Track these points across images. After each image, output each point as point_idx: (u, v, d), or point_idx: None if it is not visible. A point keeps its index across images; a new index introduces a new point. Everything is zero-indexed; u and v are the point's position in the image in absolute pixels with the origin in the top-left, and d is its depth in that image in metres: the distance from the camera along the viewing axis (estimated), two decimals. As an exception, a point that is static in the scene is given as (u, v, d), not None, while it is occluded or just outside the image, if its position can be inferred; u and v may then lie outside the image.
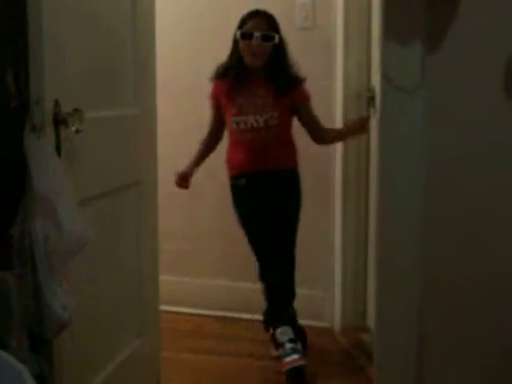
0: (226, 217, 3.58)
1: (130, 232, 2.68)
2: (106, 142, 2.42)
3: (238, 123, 3.31)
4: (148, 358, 2.88)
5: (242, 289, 3.74)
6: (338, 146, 3.63)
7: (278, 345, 3.32)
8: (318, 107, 3.58)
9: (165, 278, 3.24)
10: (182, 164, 3.51)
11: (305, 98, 3.38)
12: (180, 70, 3.85)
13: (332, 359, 3.43)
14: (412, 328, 2.45)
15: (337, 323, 3.76)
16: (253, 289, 3.59)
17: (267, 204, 3.36)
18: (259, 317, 3.60)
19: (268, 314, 3.46)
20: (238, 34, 3.26)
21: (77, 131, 2.06)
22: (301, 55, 3.48)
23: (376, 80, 3.06)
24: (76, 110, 2.05)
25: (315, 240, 3.83)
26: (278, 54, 3.30)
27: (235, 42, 3.30)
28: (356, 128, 3.40)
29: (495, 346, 2.41)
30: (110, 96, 2.48)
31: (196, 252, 4.01)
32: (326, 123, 3.58)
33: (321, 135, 3.43)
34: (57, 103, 2.02)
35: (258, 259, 3.37)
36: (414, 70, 2.35)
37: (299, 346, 3.31)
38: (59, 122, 2.02)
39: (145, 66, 2.74)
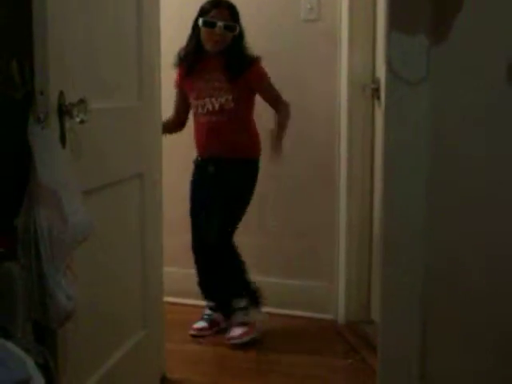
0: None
1: (134, 223, 2.68)
2: (111, 133, 2.41)
3: (196, 107, 3.43)
4: (152, 349, 2.89)
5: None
6: (343, 135, 3.62)
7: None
8: (322, 99, 3.59)
9: (169, 270, 3.25)
10: (185, 155, 3.52)
11: (260, 77, 3.43)
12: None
13: (336, 351, 3.43)
14: (416, 320, 2.45)
15: (341, 315, 3.75)
16: (259, 280, 3.60)
17: (212, 187, 3.47)
18: (265, 310, 3.61)
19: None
20: (201, 21, 3.34)
21: (81, 122, 2.05)
22: (305, 47, 3.48)
23: (381, 72, 3.06)
24: (81, 101, 2.05)
25: (319, 231, 3.84)
26: (236, 42, 3.38)
27: (195, 28, 3.39)
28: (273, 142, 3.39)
29: (499, 337, 2.41)
30: (114, 87, 2.47)
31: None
32: (330, 116, 3.58)
33: (275, 109, 3.47)
34: (61, 94, 2.02)
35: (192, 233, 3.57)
36: (419, 61, 2.34)
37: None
38: (64, 112, 2.02)
39: (149, 58, 2.74)
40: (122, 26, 2.53)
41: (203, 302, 3.75)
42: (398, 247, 2.44)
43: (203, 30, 3.34)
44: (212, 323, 3.59)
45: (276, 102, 3.44)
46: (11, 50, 2.00)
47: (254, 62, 3.40)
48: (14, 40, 2.02)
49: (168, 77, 3.23)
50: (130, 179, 2.62)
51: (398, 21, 2.35)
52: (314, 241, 3.86)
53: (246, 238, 3.54)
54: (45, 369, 1.87)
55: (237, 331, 3.47)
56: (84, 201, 2.05)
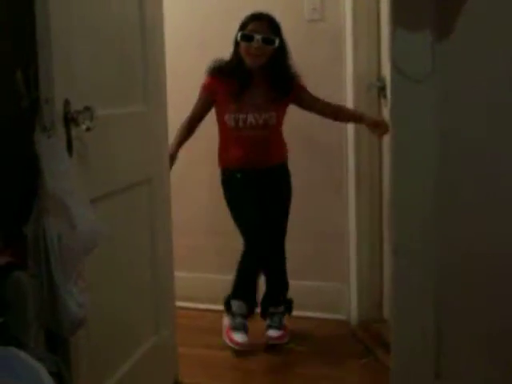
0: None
1: (143, 229, 2.68)
2: (118, 139, 2.41)
3: (237, 120, 3.36)
4: (165, 354, 2.88)
5: (260, 285, 3.72)
6: (350, 136, 3.61)
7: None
8: (328, 99, 3.58)
9: (180, 275, 3.25)
10: (192, 159, 3.52)
11: (303, 90, 3.44)
12: (189, 67, 3.84)
13: (349, 352, 3.42)
14: (429, 319, 2.45)
15: (353, 316, 3.74)
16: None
17: (259, 196, 3.46)
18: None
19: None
20: (239, 35, 3.30)
21: (87, 129, 2.06)
22: (310, 47, 3.48)
23: (386, 70, 3.05)
24: (86, 108, 2.05)
25: (329, 232, 3.83)
26: (279, 57, 3.34)
27: (236, 43, 3.34)
28: (371, 124, 3.40)
29: (513, 334, 2.40)
30: (119, 93, 2.47)
31: (211, 247, 4.00)
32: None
33: (334, 111, 3.47)
34: (67, 102, 2.02)
35: (247, 247, 3.47)
36: (424, 58, 2.34)
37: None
38: (69, 120, 2.02)
39: (154, 63, 2.74)
40: (126, 32, 2.53)
41: (212, 306, 3.77)
42: (409, 246, 2.43)
43: (242, 45, 3.29)
44: (247, 330, 3.54)
45: (324, 104, 3.46)
46: (16, 59, 2.00)
47: (295, 81, 3.40)
48: (19, 49, 2.02)
49: (174, 81, 3.22)
50: (138, 184, 2.61)
51: (402, 18, 2.35)
52: (325, 242, 3.85)
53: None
54: (58, 377, 1.87)
55: (277, 332, 3.51)
56: (92, 208, 2.05)
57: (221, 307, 3.68)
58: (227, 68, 3.38)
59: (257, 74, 3.36)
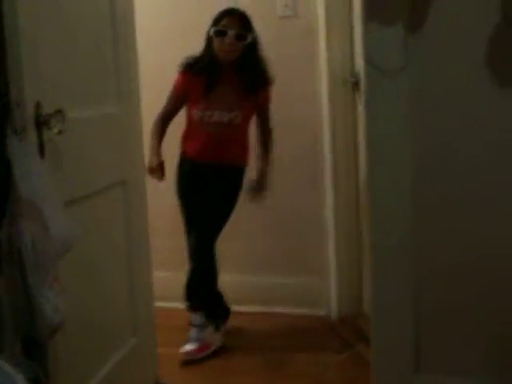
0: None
1: (119, 231, 2.66)
2: (90, 141, 2.39)
3: (202, 116, 3.36)
4: (145, 355, 2.87)
5: (238, 282, 3.72)
6: (326, 133, 3.61)
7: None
8: (303, 95, 3.58)
9: (159, 274, 3.23)
10: (170, 159, 3.51)
11: (267, 100, 3.45)
12: (163, 63, 3.83)
13: (329, 347, 3.43)
14: (408, 313, 2.46)
15: (333, 310, 3.75)
16: (249, 281, 3.59)
17: (201, 191, 3.43)
18: (257, 308, 3.61)
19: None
20: (212, 31, 3.30)
21: (59, 132, 2.04)
22: (283, 44, 3.48)
23: (360, 65, 3.05)
24: (58, 111, 2.03)
25: (307, 228, 3.83)
26: (250, 53, 3.34)
27: (209, 39, 3.34)
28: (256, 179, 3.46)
29: (491, 326, 2.41)
30: (92, 95, 2.45)
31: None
32: (312, 113, 3.58)
33: (264, 132, 3.50)
34: (38, 105, 2.00)
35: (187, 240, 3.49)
36: (396, 52, 2.34)
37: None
38: (41, 123, 2.00)
39: (126, 64, 2.72)
40: (96, 32, 2.51)
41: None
42: (387, 240, 2.44)
43: (215, 40, 3.29)
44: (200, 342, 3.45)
45: (268, 130, 3.48)
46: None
47: (267, 83, 3.40)
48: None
49: (147, 81, 3.20)
50: (113, 186, 2.59)
51: (374, 12, 2.35)
52: (302, 238, 3.85)
53: (235, 237, 3.53)
54: (35, 383, 1.86)
55: (190, 346, 3.38)
56: (67, 211, 2.04)
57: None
58: (198, 64, 3.37)
59: (227, 71, 3.36)
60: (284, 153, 3.74)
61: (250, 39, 3.30)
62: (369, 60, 2.38)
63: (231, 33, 3.25)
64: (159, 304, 3.29)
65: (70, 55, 2.27)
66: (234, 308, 3.69)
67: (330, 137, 3.61)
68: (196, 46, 3.38)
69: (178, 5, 3.86)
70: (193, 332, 3.42)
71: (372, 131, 2.44)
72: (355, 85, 3.43)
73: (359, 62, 3.27)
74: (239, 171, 3.47)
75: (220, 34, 3.28)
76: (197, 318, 3.45)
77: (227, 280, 3.64)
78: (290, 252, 3.85)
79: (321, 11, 3.55)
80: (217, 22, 3.30)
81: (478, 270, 2.39)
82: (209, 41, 3.34)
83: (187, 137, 3.47)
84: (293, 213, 3.85)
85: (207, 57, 3.35)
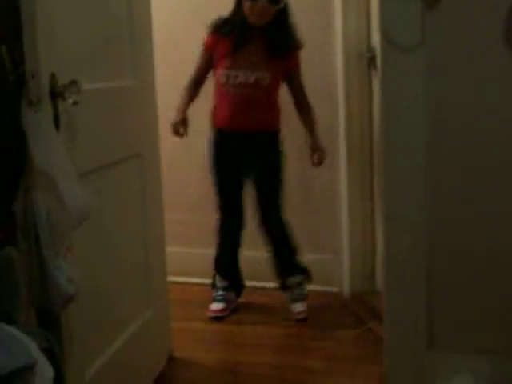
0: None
1: (133, 204, 2.67)
2: (105, 114, 2.39)
3: (228, 76, 3.34)
4: (159, 328, 2.89)
5: (251, 257, 3.72)
6: (341, 105, 3.59)
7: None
8: (318, 70, 3.56)
9: (172, 249, 3.24)
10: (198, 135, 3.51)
11: (297, 65, 3.43)
12: (177, 39, 3.82)
13: (342, 323, 3.43)
14: (421, 289, 2.45)
15: (346, 288, 3.75)
16: (262, 257, 3.59)
17: (242, 161, 3.47)
18: (271, 284, 3.62)
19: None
20: None
21: (74, 103, 2.03)
22: (298, 17, 3.44)
23: (376, 40, 3.03)
24: (73, 82, 2.03)
25: (321, 205, 3.83)
26: (281, 17, 3.32)
27: (239, 1, 3.31)
28: (311, 147, 3.48)
29: (506, 304, 2.40)
30: (107, 67, 2.45)
31: (204, 222, 3.99)
32: (327, 86, 3.55)
33: (302, 109, 3.49)
34: (53, 76, 1.99)
35: (221, 212, 3.55)
36: (413, 27, 2.32)
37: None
38: (56, 94, 2.00)
39: (141, 37, 2.71)
40: (112, 4, 2.50)
41: (204, 280, 3.76)
42: (401, 217, 2.43)
43: (246, 4, 3.27)
44: (228, 303, 3.59)
45: (303, 94, 3.46)
46: (0, 34, 1.97)
47: (297, 47, 3.39)
48: (3, 24, 1.99)
49: (162, 54, 3.19)
50: (127, 159, 2.59)
51: (391, -13, 2.32)
52: (316, 214, 3.85)
53: (249, 214, 3.53)
54: (50, 353, 1.86)
55: (302, 306, 3.53)
56: (82, 183, 2.04)
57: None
58: (227, 25, 3.36)
59: (256, 32, 3.34)
60: (297, 128, 3.72)
61: (282, 4, 3.28)
62: (385, 35, 2.36)
63: None
64: (173, 279, 3.30)
65: (85, 27, 2.27)
66: (249, 283, 3.70)
67: (345, 112, 3.59)
68: (212, 17, 3.35)
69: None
70: (219, 292, 3.58)
71: (388, 107, 2.42)
72: (371, 60, 3.41)
73: (375, 37, 3.24)
74: (273, 135, 3.47)
75: None
76: (223, 280, 3.59)
77: (242, 256, 3.65)
78: (304, 229, 3.84)
79: (337, -17, 3.52)
80: None
81: (493, 244, 2.37)
82: (239, 3, 3.31)
83: (215, 105, 3.45)
84: (306, 189, 3.85)
85: (237, 19, 3.32)
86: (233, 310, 3.59)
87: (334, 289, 3.80)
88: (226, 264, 3.64)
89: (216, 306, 3.55)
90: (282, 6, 3.28)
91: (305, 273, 3.61)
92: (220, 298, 3.58)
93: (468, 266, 2.40)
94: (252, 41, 3.34)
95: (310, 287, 3.72)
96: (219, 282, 3.62)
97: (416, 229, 2.40)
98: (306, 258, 3.72)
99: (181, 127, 3.36)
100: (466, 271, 2.41)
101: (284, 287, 3.60)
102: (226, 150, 3.46)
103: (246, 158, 3.46)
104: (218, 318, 3.50)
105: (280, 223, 3.53)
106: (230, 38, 3.34)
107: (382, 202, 2.63)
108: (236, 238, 3.60)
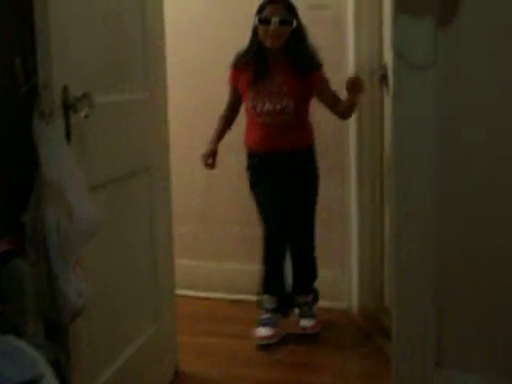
0: (242, 200, 3.58)
1: (142, 217, 2.67)
2: (117, 126, 2.40)
3: (255, 106, 3.38)
4: (165, 342, 2.88)
5: (260, 271, 3.71)
6: (352, 124, 3.59)
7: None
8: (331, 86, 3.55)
9: (181, 262, 3.24)
10: (196, 146, 3.51)
11: (323, 82, 3.43)
12: (188, 52, 3.83)
13: (350, 340, 3.42)
14: (430, 307, 2.44)
15: (354, 304, 3.74)
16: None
17: (281, 182, 3.44)
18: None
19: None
20: (257, 19, 3.32)
21: (86, 116, 2.04)
22: (311, 33, 3.45)
23: (388, 57, 3.03)
24: (85, 95, 2.03)
25: (331, 220, 3.81)
26: (296, 39, 3.35)
27: (254, 29, 3.36)
28: (351, 91, 3.38)
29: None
30: (119, 80, 2.45)
31: (211, 235, 3.99)
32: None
33: (339, 109, 3.46)
34: (65, 88, 2.00)
35: (265, 235, 3.47)
36: (426, 45, 2.32)
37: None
38: (68, 107, 2.00)
39: (154, 50, 2.72)
40: (126, 18, 2.50)
41: (212, 294, 3.75)
42: (411, 234, 2.42)
43: (260, 28, 3.31)
44: (278, 327, 3.48)
45: (337, 103, 3.44)
46: (14, 46, 1.99)
47: (316, 66, 3.40)
48: (17, 36, 2.00)
49: (175, 69, 3.20)
50: (137, 172, 2.60)
51: (404, 4, 2.33)
52: (326, 230, 3.83)
53: (258, 231, 3.52)
54: (57, 365, 1.87)
55: (313, 321, 3.51)
56: (92, 196, 2.04)
57: (221, 295, 3.67)
58: (246, 56, 3.40)
59: (276, 59, 3.37)
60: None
61: (294, 24, 3.31)
62: (398, 53, 2.36)
63: (275, 20, 3.27)
64: (180, 292, 3.30)
65: (98, 40, 2.28)
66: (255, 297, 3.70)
67: (356, 128, 3.59)
68: (224, 33, 3.37)
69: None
70: (267, 315, 3.49)
71: (399, 125, 2.42)
72: (383, 77, 3.41)
73: (387, 54, 3.24)
74: (306, 151, 3.48)
75: (264, 21, 3.29)
76: (272, 301, 3.52)
77: (250, 270, 3.64)
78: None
79: (350, 2, 3.52)
80: (261, 10, 3.33)
81: (502, 263, 2.36)
82: (254, 31, 3.36)
83: (248, 130, 3.49)
84: (317, 206, 3.85)
85: (254, 46, 3.37)
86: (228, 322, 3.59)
87: (343, 305, 3.79)
88: (275, 280, 3.55)
89: (265, 332, 3.41)
90: (294, 26, 3.31)
91: (315, 294, 3.61)
92: (268, 321, 3.46)
93: (478, 284, 2.39)
94: (273, 68, 3.37)
95: (318, 304, 3.72)
96: (268, 304, 3.52)
97: (426, 246, 2.39)
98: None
99: (210, 159, 3.45)
100: (477, 289, 2.40)
101: (291, 304, 3.59)
102: (261, 171, 3.47)
103: (282, 176, 3.45)
104: (267, 346, 3.36)
105: (310, 242, 3.55)
106: (250, 69, 3.38)
107: (392, 218, 2.62)
108: (283, 253, 3.53)
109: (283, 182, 3.45)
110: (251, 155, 3.48)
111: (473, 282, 2.40)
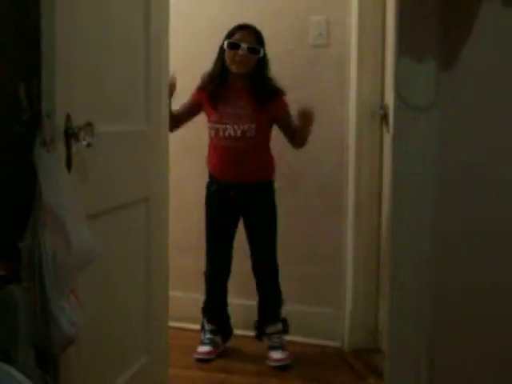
0: (237, 235, 3.57)
1: (139, 248, 2.66)
2: (117, 157, 2.41)
3: (216, 130, 3.45)
4: (157, 374, 2.85)
5: (253, 307, 3.70)
6: (351, 164, 3.60)
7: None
8: (330, 125, 3.58)
9: (175, 294, 3.23)
10: (189, 179, 3.52)
11: (281, 111, 3.47)
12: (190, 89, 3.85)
13: (342, 379, 3.39)
14: (423, 351, 2.42)
15: (347, 343, 3.71)
16: (254, 306, 3.58)
17: (234, 212, 3.54)
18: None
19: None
20: (226, 43, 3.40)
21: (88, 145, 2.05)
22: (314, 73, 3.49)
23: (389, 98, 3.05)
24: (88, 124, 2.04)
25: (326, 258, 3.81)
26: (260, 68, 3.43)
27: (221, 52, 3.44)
28: (302, 122, 3.38)
29: (509, 365, 2.38)
30: (121, 111, 2.47)
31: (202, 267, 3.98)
32: (338, 142, 3.58)
33: (298, 142, 3.49)
34: (68, 117, 2.01)
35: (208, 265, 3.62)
36: (427, 88, 2.33)
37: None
38: (70, 135, 2.01)
39: (157, 84, 2.74)
40: (130, 49, 2.53)
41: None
42: (406, 275, 2.41)
43: (228, 52, 3.40)
44: (215, 346, 3.61)
45: (294, 132, 3.46)
46: (19, 71, 2.00)
47: (279, 94, 3.45)
48: (22, 63, 2.02)
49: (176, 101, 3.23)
50: (136, 203, 2.60)
51: (406, 47, 2.35)
52: (321, 267, 3.83)
53: (250, 262, 3.53)
54: (46, 395, 1.85)
55: (279, 354, 3.52)
56: (90, 224, 2.04)
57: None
58: (210, 77, 3.47)
59: (238, 85, 3.44)
60: (308, 180, 3.74)
61: (261, 53, 3.39)
62: (399, 95, 2.37)
63: (244, 46, 3.35)
64: (174, 324, 3.28)
65: (102, 70, 2.30)
66: (247, 333, 3.68)
67: (355, 167, 3.60)
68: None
69: (210, 32, 3.86)
70: (207, 335, 3.63)
71: (398, 165, 2.43)
72: (383, 117, 3.43)
73: (389, 95, 3.27)
74: (266, 184, 3.53)
75: (233, 46, 3.38)
76: (210, 324, 3.65)
77: (241, 305, 3.64)
78: (307, 281, 3.84)
79: (353, 42, 3.56)
80: (230, 35, 3.41)
81: (497, 310, 2.35)
82: (221, 53, 3.44)
83: (210, 154, 3.54)
84: (312, 242, 3.84)
85: (218, 68, 3.45)
86: (221, 356, 3.60)
87: (335, 343, 3.77)
88: (214, 309, 3.68)
89: (203, 349, 3.58)
90: (261, 55, 3.40)
91: (284, 323, 3.63)
92: (207, 341, 3.61)
93: (470, 330, 2.38)
94: (235, 93, 3.44)
95: (311, 341, 3.70)
96: (207, 326, 3.65)
97: (421, 289, 2.39)
98: (308, 310, 3.71)
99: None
100: (469, 335, 2.39)
101: (261, 335, 3.64)
102: (218, 197, 3.54)
103: (238, 206, 3.52)
104: (203, 361, 3.53)
105: (271, 272, 3.59)
106: (213, 91, 3.46)
107: (388, 261, 2.62)
108: (223, 285, 3.65)
109: (239, 218, 3.54)
110: (211, 181, 3.54)
111: (466, 327, 2.39)
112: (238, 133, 3.40)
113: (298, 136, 3.44)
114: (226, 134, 3.41)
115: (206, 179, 3.57)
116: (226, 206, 3.52)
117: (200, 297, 3.67)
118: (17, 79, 1.99)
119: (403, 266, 2.42)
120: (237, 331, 3.75)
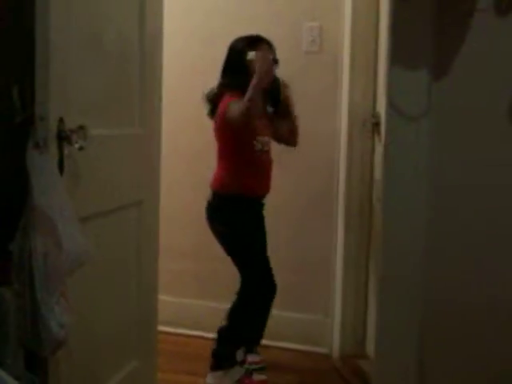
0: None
1: (129, 251, 2.66)
2: (110, 160, 2.41)
3: (254, 145, 3.23)
4: (145, 379, 2.85)
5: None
6: (342, 171, 3.61)
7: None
8: (322, 133, 3.58)
9: (165, 299, 3.22)
10: (183, 182, 3.51)
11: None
12: (186, 95, 3.85)
13: (330, 386, 3.40)
14: (412, 359, 2.43)
15: (335, 350, 3.72)
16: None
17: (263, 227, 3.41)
18: (262, 340, 3.59)
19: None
20: (272, 58, 3.15)
21: (80, 148, 2.05)
22: (306, 79, 3.49)
23: (381, 106, 3.06)
24: (80, 127, 2.05)
25: (316, 264, 3.82)
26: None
27: (242, 62, 3.15)
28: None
29: (498, 372, 2.38)
30: (114, 115, 2.47)
31: (196, 273, 3.99)
32: (330, 149, 3.59)
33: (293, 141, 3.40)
34: (61, 120, 2.01)
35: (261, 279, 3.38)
36: (419, 96, 2.35)
37: None
38: (63, 138, 2.02)
39: (151, 89, 2.73)
40: (125, 53, 2.54)
41: (196, 332, 3.77)
42: (396, 283, 2.42)
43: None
44: (261, 359, 3.51)
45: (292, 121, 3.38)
46: (13, 75, 2.00)
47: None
48: (16, 65, 2.02)
49: (168, 106, 3.23)
50: (128, 206, 2.60)
51: (399, 55, 2.36)
52: (310, 274, 3.84)
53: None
54: (35, 397, 1.85)
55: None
56: (81, 227, 2.04)
57: (204, 333, 3.65)
58: (242, 90, 3.08)
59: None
60: (298, 190, 3.75)
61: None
62: (391, 102, 2.39)
63: (275, 59, 3.20)
64: (163, 329, 3.28)
65: (97, 75, 2.30)
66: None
67: (346, 175, 3.60)
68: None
69: (206, 35, 3.88)
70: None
71: (389, 174, 2.44)
72: (375, 125, 3.44)
73: (381, 103, 3.28)
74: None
75: (275, 61, 3.18)
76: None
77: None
78: (297, 287, 3.84)
79: (346, 48, 3.57)
80: (251, 46, 3.16)
81: (486, 318, 2.36)
82: (242, 64, 3.15)
83: (239, 175, 3.28)
84: (302, 249, 3.85)
85: (244, 81, 3.09)
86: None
87: (323, 350, 3.77)
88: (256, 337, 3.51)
89: (259, 377, 3.41)
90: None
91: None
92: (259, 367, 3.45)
93: (459, 338, 2.39)
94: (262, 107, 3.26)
95: (300, 347, 3.70)
96: (250, 357, 3.45)
97: (411, 291, 2.39)
98: (297, 316, 3.71)
99: None
100: (458, 342, 2.40)
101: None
102: (256, 215, 3.38)
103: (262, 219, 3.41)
104: None
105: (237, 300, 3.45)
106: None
107: (378, 263, 2.63)
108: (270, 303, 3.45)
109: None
110: (245, 202, 3.28)
111: (455, 334, 2.40)
112: (266, 146, 3.28)
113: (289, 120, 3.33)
114: (264, 147, 3.26)
115: (197, 184, 3.54)
116: (262, 220, 3.39)
117: (189, 301, 3.67)
118: (10, 81, 1.99)
119: (394, 273, 2.42)
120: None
